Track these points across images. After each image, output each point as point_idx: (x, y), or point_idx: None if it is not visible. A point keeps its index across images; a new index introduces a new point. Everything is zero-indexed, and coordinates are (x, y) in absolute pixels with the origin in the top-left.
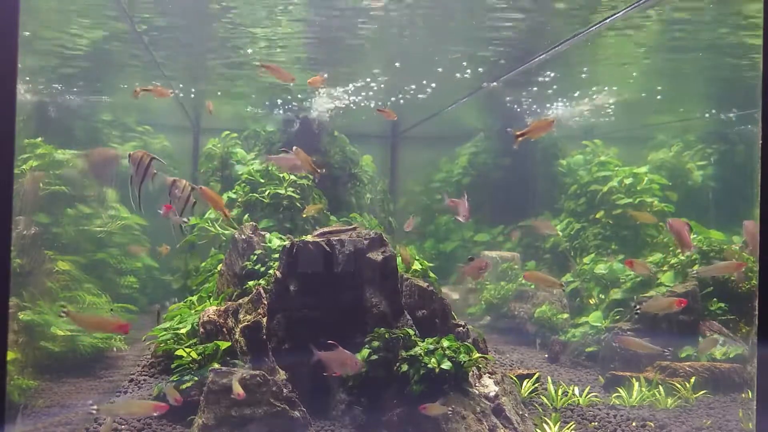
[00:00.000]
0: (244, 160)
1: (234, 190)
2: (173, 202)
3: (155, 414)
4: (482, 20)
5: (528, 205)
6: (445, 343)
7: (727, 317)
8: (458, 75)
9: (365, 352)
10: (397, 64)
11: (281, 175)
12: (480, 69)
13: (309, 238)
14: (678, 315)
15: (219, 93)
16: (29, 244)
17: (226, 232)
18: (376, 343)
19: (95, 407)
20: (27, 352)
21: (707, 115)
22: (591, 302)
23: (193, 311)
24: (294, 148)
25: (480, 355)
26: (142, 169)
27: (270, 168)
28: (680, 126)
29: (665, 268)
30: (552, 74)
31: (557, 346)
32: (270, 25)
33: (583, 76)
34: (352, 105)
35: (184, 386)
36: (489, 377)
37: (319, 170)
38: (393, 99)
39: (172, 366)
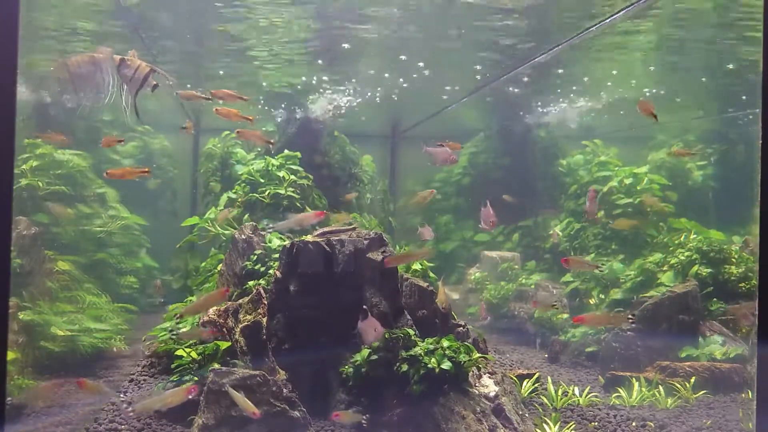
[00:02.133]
0: (244, 160)
1: (234, 190)
2: (125, 82)
3: (190, 397)
4: (483, 20)
5: (528, 205)
6: (445, 343)
7: (727, 317)
8: (459, 75)
9: (365, 352)
10: (399, 60)
11: (281, 175)
12: (480, 68)
13: (309, 238)
14: (678, 315)
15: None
16: (29, 244)
17: (226, 232)
18: (376, 343)
19: (131, 409)
20: (27, 352)
21: (708, 114)
22: (591, 302)
23: None
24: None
25: (480, 355)
26: (140, 76)
27: (270, 168)
28: (680, 126)
29: (665, 268)
30: (552, 74)
31: (557, 346)
32: (270, 25)
33: (585, 75)
34: (353, 105)
35: (184, 386)
36: (489, 377)
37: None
38: (394, 98)
39: (172, 366)
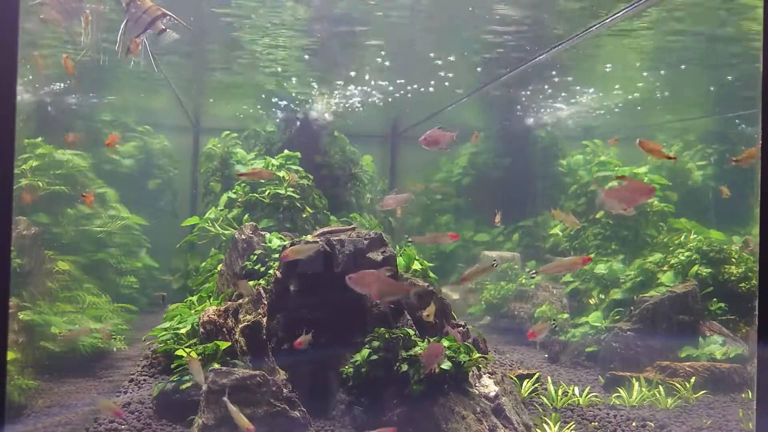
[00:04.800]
0: (244, 160)
1: (234, 190)
2: (130, 21)
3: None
4: (484, 20)
5: (528, 205)
6: (445, 343)
7: (727, 317)
8: (459, 74)
9: (365, 352)
10: (399, 60)
11: (281, 175)
12: (480, 68)
13: (309, 238)
14: (678, 315)
15: (216, 91)
16: (29, 244)
17: (226, 232)
18: (376, 343)
19: (226, 397)
20: (27, 352)
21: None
22: (591, 302)
23: (193, 311)
24: None
25: (480, 355)
26: (146, 18)
27: (270, 168)
28: (680, 126)
29: (665, 268)
30: (553, 74)
31: (557, 346)
32: (270, 23)
33: (585, 75)
34: (354, 104)
35: (184, 386)
36: (489, 377)
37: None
38: (394, 97)
39: (172, 366)
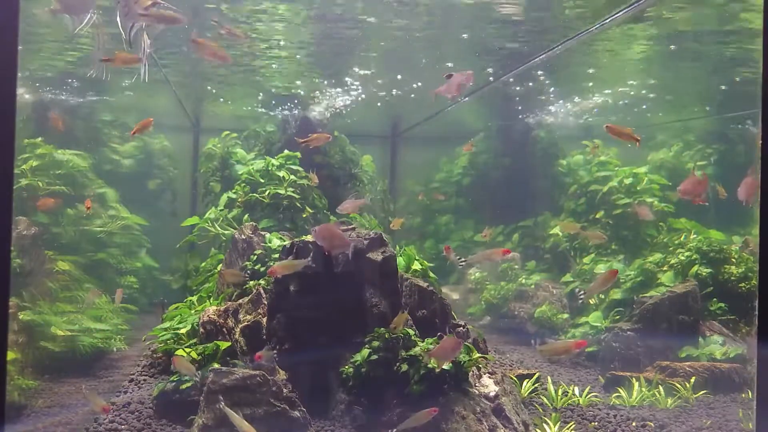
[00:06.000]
0: (244, 160)
1: (234, 190)
2: (123, 14)
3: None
4: (483, 19)
5: (528, 205)
6: None
7: (727, 317)
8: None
9: (365, 352)
10: (399, 60)
11: (281, 175)
12: (480, 68)
13: (309, 238)
14: (678, 315)
15: (216, 91)
16: (29, 244)
17: (226, 232)
18: (376, 343)
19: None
20: (27, 352)
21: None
22: (591, 302)
23: (193, 311)
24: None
25: (480, 355)
26: (135, 9)
27: (270, 168)
28: (680, 126)
29: (665, 268)
30: (552, 74)
31: None
32: (270, 22)
33: (585, 75)
34: (353, 105)
35: (184, 386)
36: (489, 377)
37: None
38: (394, 97)
39: (172, 366)
